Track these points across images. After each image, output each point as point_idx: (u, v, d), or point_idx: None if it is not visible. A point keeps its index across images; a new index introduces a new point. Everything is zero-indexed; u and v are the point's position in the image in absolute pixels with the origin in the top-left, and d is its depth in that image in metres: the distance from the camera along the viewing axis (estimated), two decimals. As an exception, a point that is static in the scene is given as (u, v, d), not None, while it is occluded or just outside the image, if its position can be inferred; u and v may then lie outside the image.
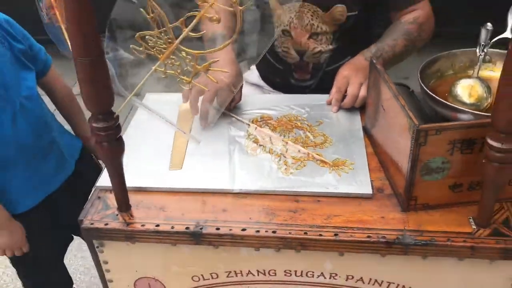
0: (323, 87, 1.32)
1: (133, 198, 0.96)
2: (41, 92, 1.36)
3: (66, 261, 1.58)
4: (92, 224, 0.93)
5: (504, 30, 1.04)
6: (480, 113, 0.93)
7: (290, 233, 0.88)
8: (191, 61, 0.74)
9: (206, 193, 0.98)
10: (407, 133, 0.85)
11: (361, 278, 0.93)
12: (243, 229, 0.89)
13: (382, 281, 0.92)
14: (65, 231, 1.50)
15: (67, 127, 1.50)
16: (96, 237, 0.94)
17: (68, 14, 0.72)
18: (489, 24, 1.05)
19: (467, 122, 0.84)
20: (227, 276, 0.97)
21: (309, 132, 1.12)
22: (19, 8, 1.29)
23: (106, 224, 0.92)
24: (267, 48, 1.10)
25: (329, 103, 1.21)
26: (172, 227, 0.90)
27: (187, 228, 0.90)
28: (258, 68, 1.59)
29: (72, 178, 1.41)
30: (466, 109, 0.95)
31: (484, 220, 0.86)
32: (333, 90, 1.20)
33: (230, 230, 0.89)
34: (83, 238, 1.51)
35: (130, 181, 0.94)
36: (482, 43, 1.05)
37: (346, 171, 1.00)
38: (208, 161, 1.04)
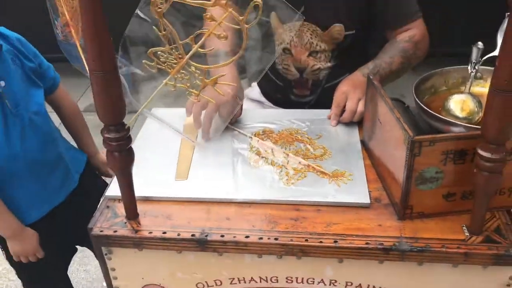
0: (322, 103, 1.38)
1: (140, 207, 1.00)
2: (48, 108, 1.41)
3: (68, 273, 1.61)
4: (101, 231, 0.96)
5: (494, 48, 1.10)
6: (471, 125, 0.98)
7: (291, 240, 0.92)
8: (200, 75, 0.79)
9: (210, 202, 1.02)
10: (402, 145, 0.89)
11: (360, 284, 0.96)
12: (247, 236, 0.93)
13: (380, 287, 0.96)
14: (70, 242, 1.53)
15: (72, 142, 1.55)
16: (105, 244, 0.97)
17: (84, 31, 0.77)
18: (480, 43, 1.11)
19: (459, 134, 0.89)
20: (231, 283, 1.00)
21: (309, 145, 1.16)
22: (34, 26, 1.34)
23: (115, 231, 0.96)
24: (269, 65, 1.15)
25: (329, 118, 1.26)
26: (178, 234, 0.94)
27: (192, 235, 0.94)
28: (259, 85, 1.65)
29: (76, 191, 1.45)
30: (459, 122, 1.00)
31: (477, 227, 0.91)
32: (333, 105, 1.25)
33: (234, 237, 0.93)
34: (89, 247, 1.55)
35: (138, 191, 0.98)
36: (474, 61, 1.10)
37: (345, 181, 1.05)
38: (212, 172, 1.09)
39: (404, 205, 0.94)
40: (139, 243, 0.96)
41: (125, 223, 0.98)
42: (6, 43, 1.25)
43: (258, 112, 1.38)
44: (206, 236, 0.94)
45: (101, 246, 0.98)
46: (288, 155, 1.12)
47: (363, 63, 1.30)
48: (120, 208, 1.00)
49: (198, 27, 0.74)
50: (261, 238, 0.93)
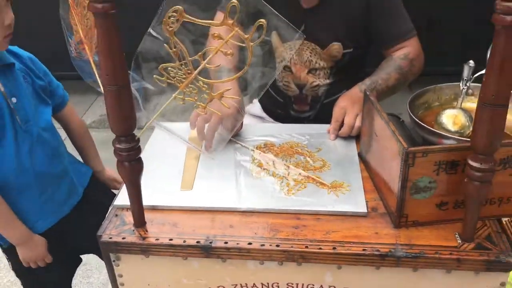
0: (321, 118, 1.44)
1: (147, 215, 1.04)
2: (56, 125, 1.46)
3: (72, 286, 1.63)
4: (110, 238, 1.01)
5: (484, 67, 1.16)
6: (462, 138, 1.03)
7: (292, 246, 0.97)
8: (207, 90, 0.84)
9: (215, 211, 1.06)
10: (397, 156, 0.94)
11: (358, 290, 1.01)
12: (249, 243, 0.98)
13: (377, 293, 1.00)
14: (74, 253, 1.57)
15: (79, 157, 1.59)
16: (113, 251, 1.02)
17: (100, 48, 0.83)
18: (471, 61, 1.17)
19: (450, 145, 0.94)
20: (234, 289, 1.04)
21: (309, 157, 1.22)
22: (44, 45, 1.40)
23: (123, 238, 1.00)
24: (269, 82, 1.21)
25: (329, 132, 1.31)
26: (184, 241, 0.99)
27: (198, 242, 0.98)
28: (260, 101, 1.71)
29: (81, 203, 1.49)
30: (450, 135, 1.05)
31: (469, 235, 0.95)
32: (332, 120, 1.30)
33: (237, 244, 0.98)
34: (98, 255, 1.58)
35: (145, 200, 1.02)
36: (465, 78, 1.16)
37: (343, 192, 1.09)
38: (216, 183, 1.14)
39: (400, 213, 0.98)
40: (146, 249, 1.00)
41: (133, 230, 1.02)
42: (18, 61, 1.31)
43: (259, 127, 1.44)
44: (211, 242, 0.98)
45: (109, 252, 1.02)
46: (288, 167, 1.17)
47: (360, 79, 1.36)
48: (128, 217, 1.05)
49: (206, 45, 0.80)
50: (263, 245, 0.97)
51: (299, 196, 1.09)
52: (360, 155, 1.23)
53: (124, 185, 1.11)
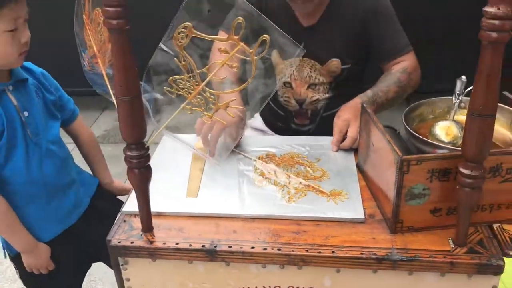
0: (321, 130, 1.49)
1: (155, 221, 1.09)
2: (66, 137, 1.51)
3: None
4: (119, 242, 1.06)
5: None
6: (454, 148, 1.08)
7: (293, 250, 1.01)
8: (213, 100, 0.90)
9: (219, 217, 1.11)
10: (393, 164, 1.00)
11: (356, 293, 1.05)
12: (252, 247, 1.02)
13: (374, 296, 1.04)
14: (82, 261, 1.60)
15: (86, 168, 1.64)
16: (122, 254, 1.06)
17: (114, 62, 0.89)
18: (463, 76, 1.23)
19: (443, 154, 0.99)
20: (237, 293, 1.08)
21: (309, 167, 1.27)
22: (56, 62, 1.47)
23: (132, 242, 1.05)
24: (269, 97, 1.26)
25: (332, 144, 1.34)
26: (190, 245, 1.04)
27: (203, 246, 1.03)
28: (261, 115, 1.77)
29: (87, 213, 1.53)
30: (443, 145, 1.10)
31: (461, 239, 1.00)
32: (335, 132, 1.33)
33: (241, 248, 1.02)
34: (105, 262, 1.62)
35: (153, 206, 1.07)
36: (458, 92, 1.22)
37: (342, 200, 1.14)
38: (220, 191, 1.19)
39: (395, 219, 1.03)
40: (153, 253, 1.05)
41: (141, 235, 1.07)
42: (31, 77, 1.36)
43: (261, 139, 1.50)
44: (215, 246, 1.03)
45: (118, 256, 1.07)
46: (289, 176, 1.23)
47: (358, 93, 1.42)
48: (136, 222, 1.10)
49: (209, 58, 0.86)
50: (265, 249, 1.02)
51: (299, 204, 1.14)
52: (358, 165, 1.28)
53: (132, 192, 1.17)
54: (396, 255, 0.99)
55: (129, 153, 0.97)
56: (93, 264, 1.65)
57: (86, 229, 1.50)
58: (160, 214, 1.12)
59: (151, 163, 0.99)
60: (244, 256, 1.02)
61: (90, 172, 1.63)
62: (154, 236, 1.07)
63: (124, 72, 0.88)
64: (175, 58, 0.89)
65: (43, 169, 1.36)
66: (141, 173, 0.99)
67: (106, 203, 1.59)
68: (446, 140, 1.14)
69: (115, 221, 1.13)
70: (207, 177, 1.25)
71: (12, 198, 1.34)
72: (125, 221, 1.12)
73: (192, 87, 0.90)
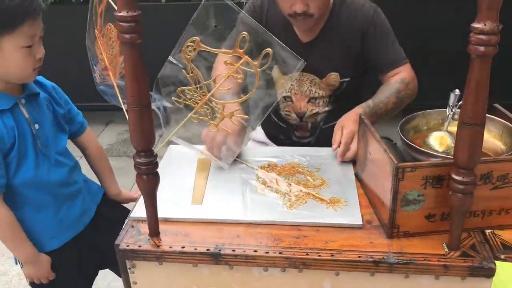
0: (321, 142, 1.55)
1: (161, 227, 1.14)
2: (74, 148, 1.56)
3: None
4: (127, 246, 1.10)
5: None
6: (447, 156, 1.14)
7: (294, 254, 1.06)
8: (219, 110, 0.96)
9: (223, 223, 1.16)
10: (389, 172, 1.05)
11: (354, 296, 1.09)
12: (255, 251, 1.07)
13: (372, 299, 1.08)
14: (89, 268, 1.64)
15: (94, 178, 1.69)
16: (130, 258, 1.11)
17: (126, 74, 0.95)
18: (457, 90, 1.29)
19: (436, 161, 1.05)
20: (240, 296, 1.13)
21: (309, 176, 1.32)
22: (61, 78, 1.52)
23: (139, 246, 1.10)
24: (271, 105, 1.31)
25: (335, 150, 1.38)
26: (195, 249, 1.08)
27: (208, 249, 1.08)
28: (264, 128, 1.82)
29: (94, 220, 1.58)
30: (437, 154, 1.16)
31: (455, 243, 1.05)
32: (342, 143, 1.36)
33: (244, 251, 1.07)
34: (112, 269, 1.65)
35: (159, 212, 1.12)
36: (451, 105, 1.28)
37: (341, 207, 1.19)
38: (224, 198, 1.24)
39: (392, 224, 1.08)
40: (160, 256, 1.09)
41: (148, 239, 1.12)
42: (42, 90, 1.42)
43: (263, 149, 1.55)
44: (220, 250, 1.07)
45: (126, 259, 1.11)
46: (290, 184, 1.28)
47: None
48: (144, 227, 1.15)
49: (212, 70, 0.91)
50: (267, 252, 1.06)
51: (300, 210, 1.18)
52: (356, 175, 1.33)
53: (140, 199, 1.22)
54: (392, 258, 1.04)
55: (138, 160, 1.02)
56: (97, 277, 1.68)
57: (92, 236, 1.54)
58: (166, 220, 1.17)
59: (158, 171, 1.04)
60: (247, 259, 1.07)
61: (97, 181, 1.67)
62: (160, 240, 1.11)
63: (136, 83, 0.94)
64: (183, 70, 0.95)
65: (51, 179, 1.41)
66: (149, 179, 1.04)
67: (112, 211, 1.64)
68: (440, 150, 1.19)
69: (123, 226, 1.18)
70: (211, 185, 1.30)
71: (22, 208, 1.38)
72: (133, 226, 1.17)
73: (199, 97, 0.96)
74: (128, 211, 1.24)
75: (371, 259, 1.04)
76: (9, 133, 1.29)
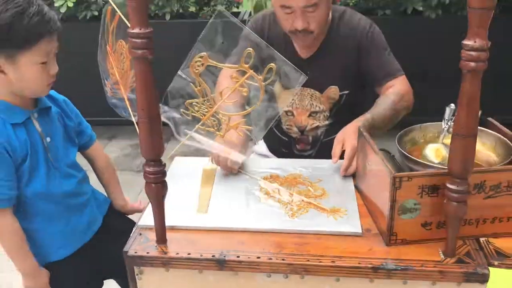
0: (321, 155, 1.60)
1: (168, 235, 1.18)
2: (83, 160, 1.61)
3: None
4: (136, 252, 1.15)
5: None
6: (443, 167, 1.18)
7: (296, 260, 1.10)
8: (225, 121, 1.01)
9: (227, 231, 1.20)
10: (387, 182, 1.10)
11: (354, 302, 1.13)
12: (258, 257, 1.11)
13: (371, 305, 1.12)
14: (94, 278, 1.67)
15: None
16: (138, 264, 1.15)
17: (137, 88, 1.00)
18: (452, 104, 1.34)
19: (431, 171, 1.10)
20: (243, 302, 1.16)
21: (310, 187, 1.37)
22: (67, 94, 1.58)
23: (147, 253, 1.14)
24: (274, 118, 1.35)
25: (335, 163, 1.43)
26: (201, 255, 1.13)
27: (213, 256, 1.12)
28: (266, 141, 1.88)
29: (100, 230, 1.61)
30: (433, 165, 1.21)
31: (450, 250, 1.09)
32: (345, 158, 1.41)
33: (248, 257, 1.11)
34: (117, 280, 1.68)
35: (166, 221, 1.16)
36: (446, 118, 1.33)
37: (341, 216, 1.24)
38: (228, 207, 1.29)
39: (390, 232, 1.12)
40: (167, 262, 1.13)
41: (156, 246, 1.16)
42: (54, 104, 1.47)
43: (265, 161, 1.61)
44: (225, 256, 1.12)
45: (134, 265, 1.15)
46: (292, 194, 1.32)
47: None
48: (151, 235, 1.19)
49: (216, 83, 0.96)
50: (270, 259, 1.11)
51: (301, 219, 1.23)
52: (356, 186, 1.38)
53: (147, 208, 1.27)
54: (390, 264, 1.08)
55: (147, 169, 1.07)
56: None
57: (98, 246, 1.57)
58: (173, 228, 1.21)
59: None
60: (251, 265, 1.11)
61: (103, 192, 1.72)
62: (167, 247, 1.16)
63: (146, 96, 1.00)
64: (191, 84, 1.00)
65: (61, 190, 1.45)
66: (157, 187, 1.09)
67: (117, 222, 1.67)
68: (436, 161, 1.24)
69: (132, 234, 1.22)
70: (216, 195, 1.35)
71: (32, 218, 1.41)
72: (140, 234, 1.21)
73: (207, 109, 1.01)
74: (133, 223, 1.28)
75: (370, 266, 1.08)
76: (22, 146, 1.33)
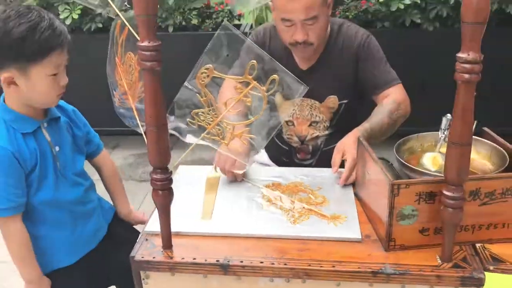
0: (321, 163, 1.64)
1: (173, 240, 1.22)
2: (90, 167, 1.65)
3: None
4: (142, 257, 1.18)
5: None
6: (439, 174, 1.23)
7: (298, 265, 1.14)
8: (230, 130, 1.05)
9: (231, 237, 1.24)
10: (385, 188, 1.14)
11: (354, 306, 1.16)
12: (261, 262, 1.15)
13: (371, 309, 1.16)
14: (98, 285, 1.70)
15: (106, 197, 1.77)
16: (144, 268, 1.18)
17: (145, 97, 1.05)
18: (448, 114, 1.39)
19: (428, 179, 1.14)
20: (247, 306, 1.20)
21: (311, 194, 1.41)
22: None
23: (154, 258, 1.18)
24: (275, 128, 1.39)
25: (335, 172, 1.47)
26: (206, 260, 1.16)
27: (217, 260, 1.16)
28: (267, 150, 1.92)
29: (104, 238, 1.65)
30: (430, 173, 1.25)
31: (447, 255, 1.13)
32: (346, 169, 1.44)
33: (251, 262, 1.15)
34: (119, 286, 1.71)
35: (171, 227, 1.20)
36: (443, 128, 1.38)
37: (341, 222, 1.28)
38: (232, 214, 1.32)
39: (389, 238, 1.16)
40: (173, 267, 1.17)
41: (162, 251, 1.20)
42: (63, 114, 1.51)
43: (267, 170, 1.64)
44: (228, 261, 1.15)
45: (140, 270, 1.19)
46: (294, 201, 1.36)
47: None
48: (157, 241, 1.23)
49: (218, 93, 0.99)
50: (273, 263, 1.14)
51: (303, 225, 1.27)
52: (355, 194, 1.42)
53: (153, 215, 1.31)
54: (389, 269, 1.11)
55: (154, 176, 1.11)
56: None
57: (103, 254, 1.60)
58: (178, 234, 1.25)
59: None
60: (254, 270, 1.15)
61: (109, 200, 1.75)
62: (173, 252, 1.19)
63: (154, 105, 1.04)
64: (197, 94, 1.05)
65: (69, 198, 1.48)
66: (164, 194, 1.13)
67: (121, 230, 1.70)
68: (432, 169, 1.28)
69: (138, 240, 1.26)
70: (219, 202, 1.39)
71: (40, 225, 1.44)
72: (147, 239, 1.25)
73: (212, 119, 1.06)
74: (137, 232, 1.31)
75: (369, 270, 1.11)
76: (32, 155, 1.37)
